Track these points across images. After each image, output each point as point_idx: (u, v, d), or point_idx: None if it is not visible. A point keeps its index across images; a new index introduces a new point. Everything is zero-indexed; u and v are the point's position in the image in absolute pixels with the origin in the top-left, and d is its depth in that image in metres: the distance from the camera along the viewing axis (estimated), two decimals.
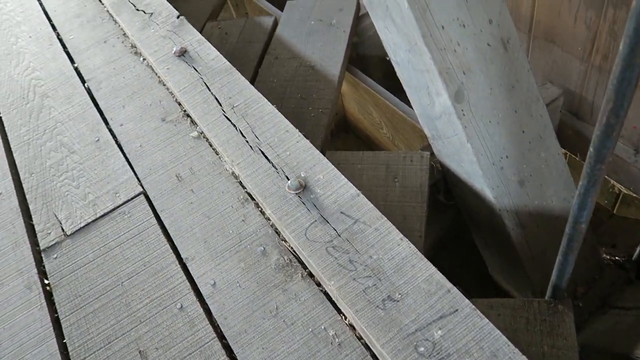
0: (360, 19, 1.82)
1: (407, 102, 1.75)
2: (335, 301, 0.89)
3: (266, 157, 1.09)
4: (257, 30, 1.79)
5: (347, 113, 1.99)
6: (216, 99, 1.27)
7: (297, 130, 1.13)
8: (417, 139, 1.55)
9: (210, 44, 1.42)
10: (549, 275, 1.09)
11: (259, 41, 1.74)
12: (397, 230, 0.89)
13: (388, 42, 1.11)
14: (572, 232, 0.91)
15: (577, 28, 1.46)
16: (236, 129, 1.18)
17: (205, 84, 1.31)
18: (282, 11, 1.88)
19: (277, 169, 1.07)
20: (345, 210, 0.95)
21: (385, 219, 0.91)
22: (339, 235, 0.92)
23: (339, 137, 2.09)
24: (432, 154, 1.31)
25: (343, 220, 0.94)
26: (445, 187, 1.34)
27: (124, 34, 1.74)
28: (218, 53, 1.39)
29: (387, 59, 1.91)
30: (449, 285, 0.82)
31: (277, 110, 1.19)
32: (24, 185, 1.33)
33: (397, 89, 1.90)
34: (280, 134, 1.13)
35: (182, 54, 1.41)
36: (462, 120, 1.05)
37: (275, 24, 1.82)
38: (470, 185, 1.18)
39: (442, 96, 1.05)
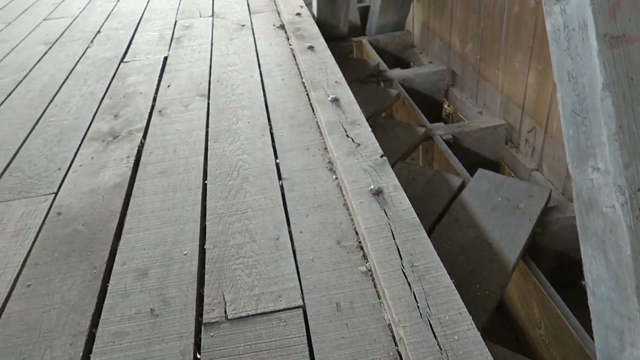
0: (548, 210, 1.87)
1: (571, 306, 1.71)
2: None
3: (434, 332, 1.15)
4: (444, 186, 1.94)
5: (504, 294, 1.98)
6: (398, 250, 1.39)
7: (470, 316, 1.18)
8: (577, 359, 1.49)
9: (404, 194, 1.59)
10: None
11: (443, 197, 1.88)
12: None
13: (590, 270, 1.15)
14: None
15: None
16: (410, 289, 1.27)
17: (391, 231, 1.45)
18: (471, 175, 2.02)
19: (441, 350, 1.12)
20: None
21: None
22: None
23: None
24: None
25: None
26: None
27: (325, 148, 2.01)
28: (410, 205, 1.53)
29: (564, 254, 1.90)
30: None
31: (454, 286, 1.26)
32: (206, 254, 1.55)
33: (562, 286, 1.87)
34: (452, 313, 1.20)
35: (378, 193, 1.59)
36: None
37: (462, 186, 1.96)
38: None
39: (638, 350, 1.03)
